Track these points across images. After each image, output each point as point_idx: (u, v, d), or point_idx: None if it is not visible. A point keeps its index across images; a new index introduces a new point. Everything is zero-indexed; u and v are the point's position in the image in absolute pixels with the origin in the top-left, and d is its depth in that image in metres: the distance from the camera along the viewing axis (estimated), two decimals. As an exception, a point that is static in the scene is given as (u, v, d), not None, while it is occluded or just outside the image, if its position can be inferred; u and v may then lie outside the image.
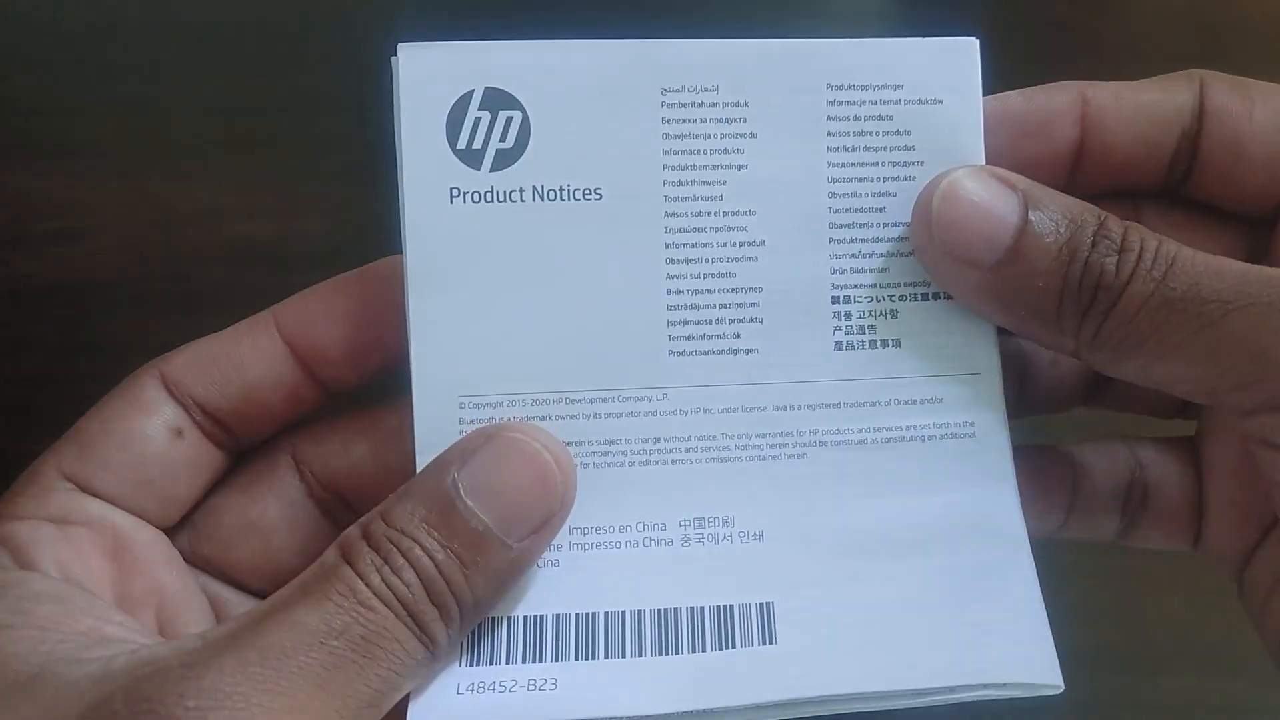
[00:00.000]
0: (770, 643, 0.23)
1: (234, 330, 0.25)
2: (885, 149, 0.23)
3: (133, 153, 0.59)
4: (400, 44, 0.23)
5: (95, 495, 0.24)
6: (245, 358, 0.25)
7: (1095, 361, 0.23)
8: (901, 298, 0.24)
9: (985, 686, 0.24)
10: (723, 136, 0.23)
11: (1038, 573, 0.29)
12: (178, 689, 0.18)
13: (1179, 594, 0.43)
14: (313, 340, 0.25)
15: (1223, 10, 0.69)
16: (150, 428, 0.24)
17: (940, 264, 0.22)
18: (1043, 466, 0.26)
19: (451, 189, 0.23)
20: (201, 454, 0.25)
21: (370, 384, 0.27)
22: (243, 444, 0.26)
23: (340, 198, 0.56)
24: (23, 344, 0.52)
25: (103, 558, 0.23)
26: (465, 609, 0.21)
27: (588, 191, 0.23)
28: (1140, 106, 0.23)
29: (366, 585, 0.20)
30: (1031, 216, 0.21)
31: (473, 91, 0.23)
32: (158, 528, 0.25)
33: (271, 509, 0.25)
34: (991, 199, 0.21)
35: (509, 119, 0.22)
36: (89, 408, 0.49)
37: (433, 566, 0.20)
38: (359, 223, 0.55)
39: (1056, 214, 0.21)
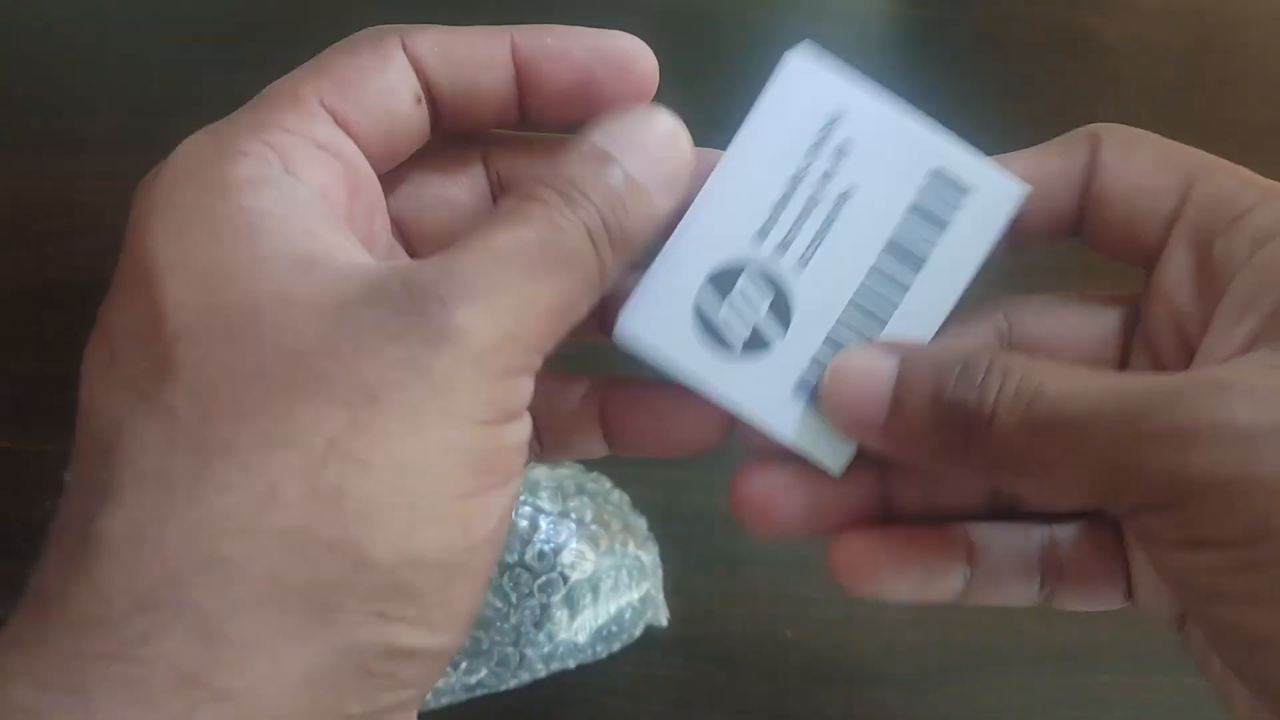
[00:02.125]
0: None
1: (474, 31, 0.26)
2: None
3: (133, 152, 0.59)
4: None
5: (348, 134, 0.25)
6: (481, 58, 0.26)
7: (1002, 484, 0.25)
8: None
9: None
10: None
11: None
12: (443, 279, 0.21)
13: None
14: (539, 70, 0.26)
15: (1223, 10, 0.69)
16: (401, 88, 0.25)
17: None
18: (934, 542, 0.27)
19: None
20: (421, 127, 0.26)
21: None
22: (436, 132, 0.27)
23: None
24: (23, 344, 0.52)
25: (345, 193, 0.25)
26: (622, 248, 0.24)
27: None
28: (1044, 170, 0.25)
29: (559, 214, 0.23)
30: (902, 372, 0.23)
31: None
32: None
33: (465, 192, 0.28)
34: (870, 367, 0.23)
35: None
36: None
37: (601, 206, 0.23)
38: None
39: (924, 365, 0.23)
